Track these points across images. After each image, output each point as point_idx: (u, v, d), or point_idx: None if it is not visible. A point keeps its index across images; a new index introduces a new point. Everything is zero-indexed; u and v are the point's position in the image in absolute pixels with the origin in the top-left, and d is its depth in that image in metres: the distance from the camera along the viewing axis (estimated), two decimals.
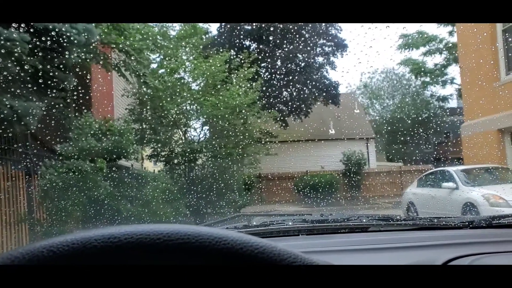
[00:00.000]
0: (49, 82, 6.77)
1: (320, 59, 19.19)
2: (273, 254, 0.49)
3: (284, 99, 18.10)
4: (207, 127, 11.96)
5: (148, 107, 10.77)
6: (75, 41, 6.64)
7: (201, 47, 12.28)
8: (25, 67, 6.15)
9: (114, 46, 8.87)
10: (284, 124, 18.39)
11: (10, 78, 5.96)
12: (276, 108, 15.89)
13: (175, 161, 11.05)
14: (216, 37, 17.45)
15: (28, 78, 6.38)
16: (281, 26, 16.93)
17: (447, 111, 28.76)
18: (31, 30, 6.11)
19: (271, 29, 17.30)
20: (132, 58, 9.01)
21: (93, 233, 0.49)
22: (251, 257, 0.48)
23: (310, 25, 17.29)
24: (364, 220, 1.81)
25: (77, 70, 8.00)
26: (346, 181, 17.48)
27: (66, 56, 6.80)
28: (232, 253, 0.48)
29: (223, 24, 17.40)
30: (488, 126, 10.69)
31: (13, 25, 5.77)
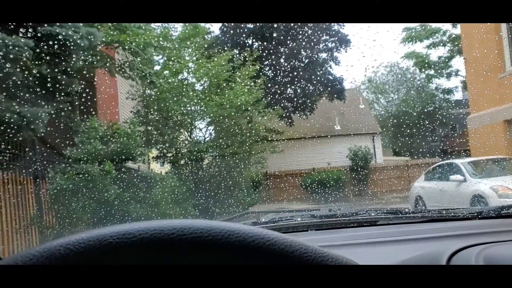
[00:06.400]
0: (55, 87, 6.82)
1: (323, 55, 19.12)
2: (284, 246, 0.50)
3: (289, 96, 18.07)
4: (213, 127, 11.98)
5: (153, 109, 10.80)
6: (79, 45, 6.68)
7: (205, 46, 12.27)
8: (31, 73, 6.20)
9: (118, 45, 8.87)
10: (289, 121, 18.36)
11: (16, 84, 6.02)
12: (281, 106, 15.85)
13: (182, 161, 11.07)
14: (218, 37, 17.45)
15: (34, 84, 6.43)
16: (283, 23, 16.89)
17: (453, 103, 28.60)
18: (35, 35, 6.16)
19: (274, 26, 17.26)
20: (138, 58, 9.00)
21: (108, 230, 0.51)
22: (263, 249, 0.49)
23: None
24: (372, 214, 1.82)
25: (82, 74, 8.04)
26: (353, 177, 17.41)
27: (71, 61, 6.84)
28: (244, 245, 0.49)
29: (225, 23, 17.39)
30: (495, 117, 10.62)
31: (17, 30, 5.82)
